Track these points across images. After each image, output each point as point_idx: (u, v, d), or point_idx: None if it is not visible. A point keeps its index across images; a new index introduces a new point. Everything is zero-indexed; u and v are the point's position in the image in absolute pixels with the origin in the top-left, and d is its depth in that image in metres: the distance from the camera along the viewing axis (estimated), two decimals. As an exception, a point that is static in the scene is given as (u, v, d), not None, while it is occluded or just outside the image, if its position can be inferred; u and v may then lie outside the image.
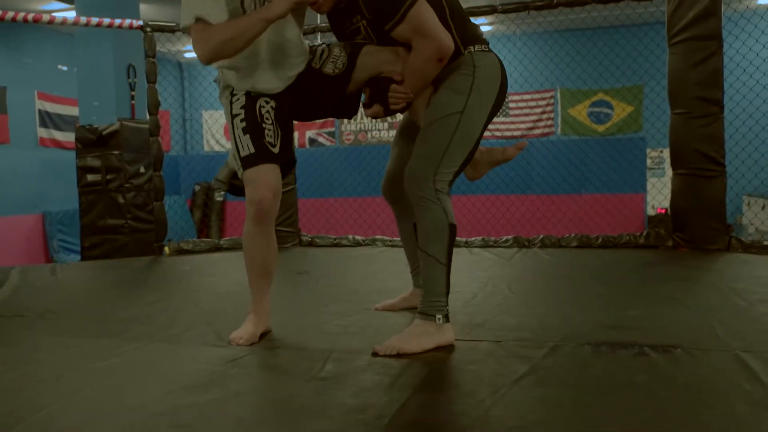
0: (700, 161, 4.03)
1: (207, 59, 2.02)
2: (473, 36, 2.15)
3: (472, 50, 2.12)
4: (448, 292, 2.04)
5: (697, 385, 1.62)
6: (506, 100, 10.51)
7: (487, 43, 2.19)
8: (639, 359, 1.82)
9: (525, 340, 2.06)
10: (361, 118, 11.56)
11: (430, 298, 2.02)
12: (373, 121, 11.57)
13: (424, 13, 2.00)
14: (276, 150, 2.11)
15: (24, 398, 1.67)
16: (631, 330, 2.15)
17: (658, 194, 5.40)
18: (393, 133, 11.40)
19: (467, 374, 1.74)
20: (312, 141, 11.75)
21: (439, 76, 2.10)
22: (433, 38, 2.00)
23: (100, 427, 1.46)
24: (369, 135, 11.59)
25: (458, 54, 2.09)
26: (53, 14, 7.65)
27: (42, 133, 9.39)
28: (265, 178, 2.07)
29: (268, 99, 2.15)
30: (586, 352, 1.92)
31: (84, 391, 1.70)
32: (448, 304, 2.03)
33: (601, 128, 10.48)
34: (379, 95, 2.13)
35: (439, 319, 2.00)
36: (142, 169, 6.05)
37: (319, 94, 2.20)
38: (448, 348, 1.99)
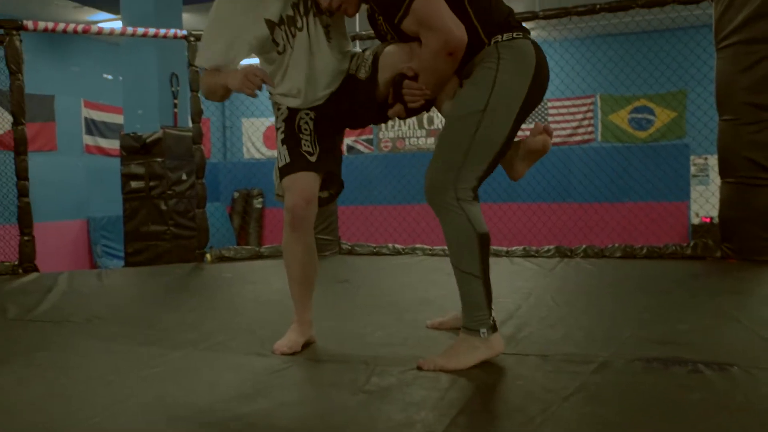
0: (750, 169, 3.91)
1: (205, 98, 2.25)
2: (502, 23, 1.94)
3: (500, 39, 1.91)
4: (490, 303, 1.91)
5: (757, 406, 1.56)
6: (545, 106, 10.37)
7: (523, 29, 1.97)
8: (693, 377, 1.77)
9: (572, 354, 2.02)
10: (399, 125, 11.56)
11: (472, 313, 1.91)
12: (411, 127, 11.55)
13: (430, 3, 1.84)
14: (313, 158, 2.13)
15: (75, 404, 1.70)
16: (683, 346, 2.09)
17: (705, 203, 5.26)
18: (431, 140, 11.37)
19: (516, 389, 1.71)
20: (350, 148, 11.80)
21: (466, 70, 1.95)
22: (440, 30, 1.83)
23: (150, 437, 1.48)
24: (407, 142, 11.58)
25: (482, 45, 1.91)
26: (101, 25, 7.83)
27: (87, 140, 9.62)
28: (299, 185, 2.09)
29: (308, 111, 2.17)
30: (636, 368, 1.87)
31: (133, 399, 1.72)
32: (492, 315, 1.92)
33: (642, 135, 10.29)
34: (396, 94, 2.03)
35: (483, 333, 1.89)
36: (184, 176, 6.15)
37: (355, 100, 2.18)
38: (496, 361, 1.96)
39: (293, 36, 2.09)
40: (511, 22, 1.98)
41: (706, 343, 2.13)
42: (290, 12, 2.09)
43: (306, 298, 2.23)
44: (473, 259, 1.89)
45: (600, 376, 1.80)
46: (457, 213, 1.89)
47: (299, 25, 2.10)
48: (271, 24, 2.09)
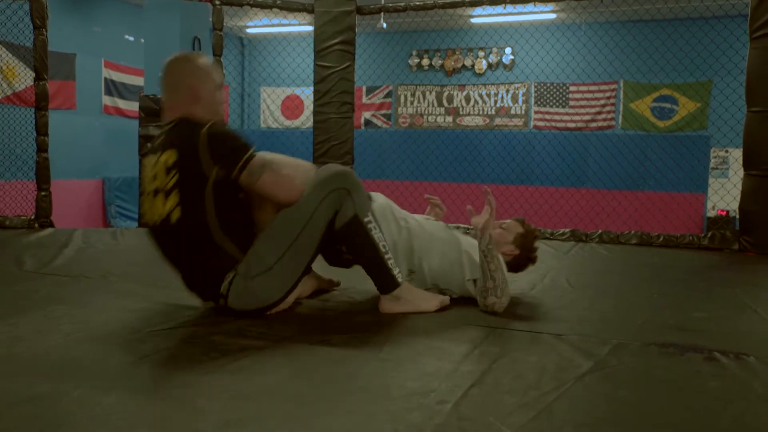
0: (775, 163, 3.86)
1: None
2: None
3: None
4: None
5: (775, 396, 1.55)
6: (566, 90, 10.32)
7: None
8: (709, 364, 1.75)
9: (587, 335, 2.01)
10: (419, 101, 11.49)
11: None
12: (431, 104, 11.48)
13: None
14: None
15: (91, 356, 1.71)
16: (699, 333, 2.08)
17: (726, 195, 5.19)
18: (449, 118, 11.30)
19: (529, 366, 1.70)
20: (368, 122, 11.75)
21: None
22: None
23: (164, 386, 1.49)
24: (425, 119, 11.52)
25: None
26: (124, -16, 7.78)
27: (107, 100, 9.63)
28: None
29: None
30: (652, 352, 1.86)
31: (153, 356, 1.73)
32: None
33: (663, 124, 10.17)
34: None
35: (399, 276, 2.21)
36: (201, 141, 6.15)
37: None
38: (509, 337, 1.96)
39: None
40: None
41: (723, 332, 2.11)
42: None
43: None
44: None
45: (615, 357, 1.79)
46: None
47: None
48: None
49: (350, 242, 2.15)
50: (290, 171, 2.09)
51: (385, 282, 2.20)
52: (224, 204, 2.01)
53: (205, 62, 2.18)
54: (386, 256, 2.17)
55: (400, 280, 2.22)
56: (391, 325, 2.08)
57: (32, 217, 4.45)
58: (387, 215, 2.38)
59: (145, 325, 2.02)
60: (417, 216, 2.58)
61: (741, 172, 4.10)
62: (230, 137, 2.04)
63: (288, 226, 2.07)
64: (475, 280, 2.31)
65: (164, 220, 2.00)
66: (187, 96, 2.10)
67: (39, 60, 4.38)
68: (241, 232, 2.07)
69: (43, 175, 4.46)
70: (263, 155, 2.05)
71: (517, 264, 2.55)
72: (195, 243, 2.03)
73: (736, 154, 4.89)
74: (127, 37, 9.86)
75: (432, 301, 2.28)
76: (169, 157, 1.99)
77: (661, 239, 4.28)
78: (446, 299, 2.32)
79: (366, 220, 2.13)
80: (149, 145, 2.18)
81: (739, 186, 4.11)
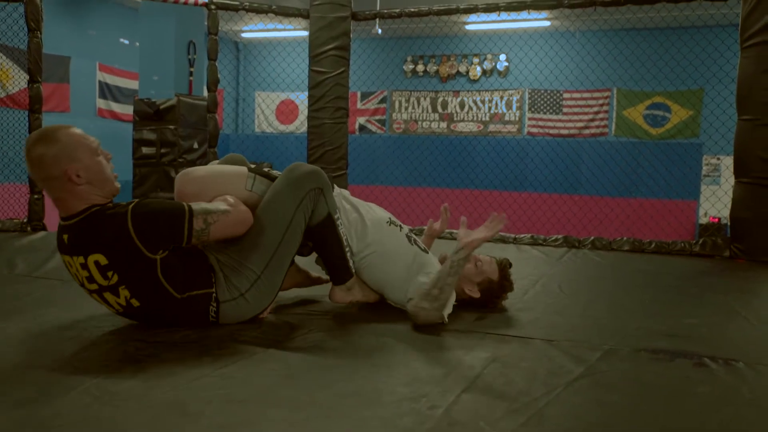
0: (765, 170, 3.89)
1: None
2: None
3: None
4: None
5: (763, 402, 1.56)
6: (560, 97, 10.47)
7: None
8: (699, 370, 1.76)
9: (578, 341, 2.02)
10: (413, 107, 11.52)
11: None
12: (425, 110, 11.50)
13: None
14: None
15: (79, 357, 1.71)
16: (689, 339, 2.09)
17: (718, 202, 5.23)
18: (444, 125, 11.33)
19: (520, 371, 1.71)
20: (362, 128, 11.77)
21: None
22: None
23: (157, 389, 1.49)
24: (420, 125, 11.55)
25: None
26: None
27: (101, 104, 9.62)
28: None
29: None
30: (642, 358, 1.87)
31: (132, 357, 1.73)
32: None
33: (656, 132, 10.23)
34: None
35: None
36: (195, 145, 6.15)
37: None
38: (500, 342, 1.97)
39: None
40: None
41: (713, 338, 2.13)
42: None
43: None
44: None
45: (605, 363, 1.80)
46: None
47: None
48: None
49: (321, 238, 2.18)
50: (227, 203, 2.01)
51: (341, 273, 2.26)
52: (176, 272, 1.92)
53: (67, 134, 1.90)
54: (346, 249, 2.22)
55: (353, 271, 2.27)
56: (383, 329, 2.09)
57: (25, 220, 4.43)
58: (342, 204, 2.35)
59: (136, 329, 2.01)
60: (371, 207, 2.46)
61: (732, 180, 4.13)
62: (157, 217, 1.88)
63: (270, 232, 2.05)
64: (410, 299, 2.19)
65: (126, 306, 1.94)
66: (67, 183, 1.87)
67: (33, 62, 4.38)
68: (199, 275, 1.99)
69: (36, 178, 4.44)
70: (195, 206, 1.94)
71: (476, 301, 2.38)
72: (163, 310, 1.97)
73: (728, 162, 4.93)
74: (121, 40, 9.86)
75: (373, 294, 2.38)
76: (98, 260, 1.84)
77: (653, 246, 4.30)
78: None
79: (336, 216, 2.18)
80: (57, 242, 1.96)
81: (731, 193, 4.14)
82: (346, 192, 2.46)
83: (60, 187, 1.89)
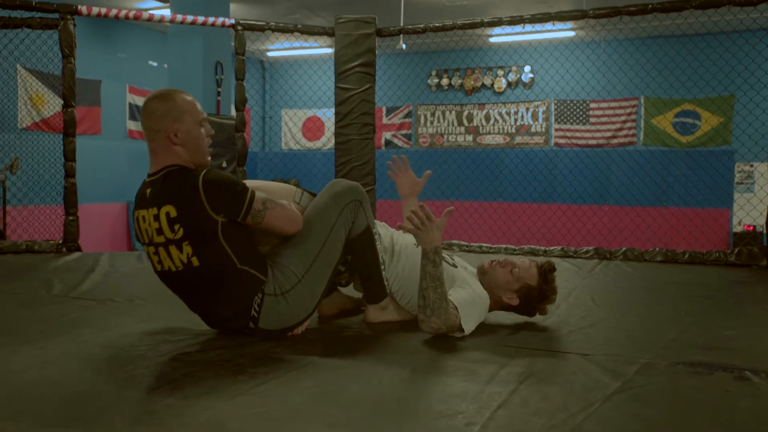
0: (802, 178, 3.81)
1: None
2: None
3: None
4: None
5: (808, 416, 1.52)
6: (586, 107, 10.33)
7: None
8: (740, 383, 1.73)
9: (614, 354, 1.99)
10: (439, 121, 11.53)
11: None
12: (451, 124, 11.51)
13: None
14: None
15: (117, 381, 1.74)
16: (728, 351, 2.05)
17: (753, 210, 5.13)
18: (470, 137, 11.32)
19: (557, 387, 1.69)
20: (388, 143, 11.81)
21: None
22: None
23: (198, 408, 1.50)
24: (445, 138, 11.55)
25: None
26: (151, 12, 7.95)
27: (131, 125, 9.80)
28: None
29: None
30: (680, 372, 1.84)
31: (181, 380, 1.75)
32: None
33: (686, 140, 10.09)
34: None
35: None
36: (224, 164, 6.23)
37: None
38: (536, 358, 1.95)
39: None
40: None
41: (753, 350, 2.08)
42: None
43: None
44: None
45: (643, 377, 1.77)
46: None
47: None
48: None
49: (360, 252, 2.23)
50: (285, 201, 2.14)
51: (377, 292, 2.30)
52: (238, 240, 2.05)
53: (182, 98, 2.11)
54: (382, 267, 2.26)
55: (388, 290, 2.29)
56: (416, 346, 2.08)
57: (60, 242, 4.52)
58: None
59: (172, 348, 2.04)
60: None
61: (767, 187, 4.05)
62: (225, 184, 2.01)
63: (313, 236, 2.13)
64: None
65: (186, 265, 2.03)
66: (165, 139, 2.06)
67: (67, 88, 4.48)
68: (260, 258, 2.12)
69: (70, 200, 4.54)
70: (258, 192, 2.07)
71: (519, 309, 2.35)
72: (220, 276, 2.05)
73: (762, 169, 4.85)
74: (150, 62, 10.05)
75: (407, 314, 2.38)
76: (169, 211, 1.99)
77: (686, 256, 4.23)
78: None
79: (374, 230, 2.24)
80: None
81: (766, 201, 4.07)
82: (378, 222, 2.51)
83: (158, 140, 2.07)
